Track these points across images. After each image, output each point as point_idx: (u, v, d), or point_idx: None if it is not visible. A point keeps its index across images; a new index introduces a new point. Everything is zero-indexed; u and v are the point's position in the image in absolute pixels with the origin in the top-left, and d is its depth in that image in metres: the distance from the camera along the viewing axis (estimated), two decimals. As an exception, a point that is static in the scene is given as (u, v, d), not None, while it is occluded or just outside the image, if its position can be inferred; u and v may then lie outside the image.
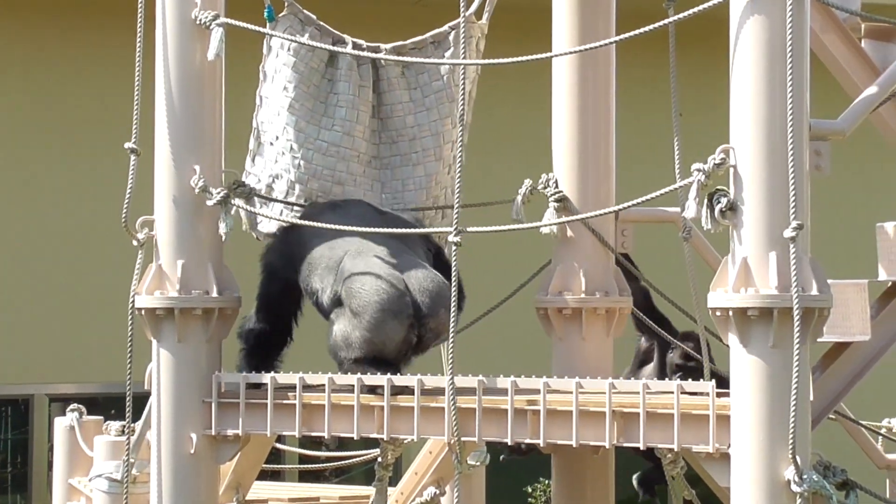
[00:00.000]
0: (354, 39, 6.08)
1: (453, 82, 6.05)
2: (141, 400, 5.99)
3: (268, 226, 6.06)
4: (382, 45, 6.12)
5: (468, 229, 5.38)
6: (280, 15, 6.05)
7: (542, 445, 5.23)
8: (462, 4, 5.51)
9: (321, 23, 6.10)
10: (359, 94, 6.05)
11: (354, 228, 5.60)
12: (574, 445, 5.15)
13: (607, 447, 5.13)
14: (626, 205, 5.32)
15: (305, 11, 6.09)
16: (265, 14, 6.03)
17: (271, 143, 6.05)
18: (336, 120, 6.01)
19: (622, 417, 5.07)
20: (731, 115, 4.86)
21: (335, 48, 5.96)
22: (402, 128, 6.10)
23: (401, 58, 6.04)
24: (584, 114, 5.89)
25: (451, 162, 6.09)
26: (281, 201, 6.03)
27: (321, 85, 6.06)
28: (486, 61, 5.51)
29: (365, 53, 6.00)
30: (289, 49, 6.02)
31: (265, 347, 5.78)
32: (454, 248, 5.33)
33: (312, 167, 6.00)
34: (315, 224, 5.61)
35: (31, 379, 12.29)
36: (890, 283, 5.60)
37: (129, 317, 5.84)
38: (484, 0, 6.24)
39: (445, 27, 6.13)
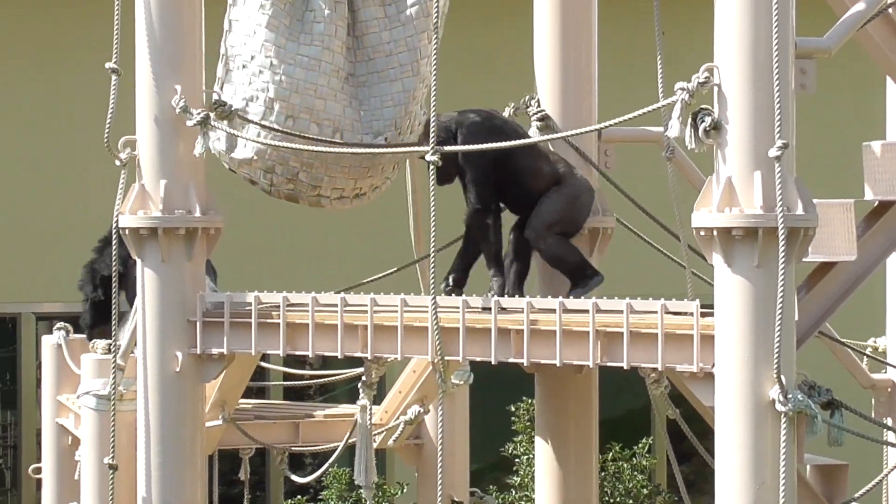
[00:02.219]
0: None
1: None
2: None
3: (243, 152, 5.99)
4: None
5: (444, 148, 5.36)
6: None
7: (525, 364, 5.24)
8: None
9: None
10: (335, 10, 6.00)
11: (321, 150, 5.63)
12: (557, 365, 5.15)
13: (591, 367, 5.13)
14: (608, 123, 5.29)
15: None
16: None
17: (244, 66, 5.97)
18: (314, 35, 5.96)
19: (605, 337, 5.07)
20: (716, 33, 4.83)
21: None
22: (378, 44, 6.05)
23: None
24: (566, 32, 5.85)
25: (429, 78, 6.05)
26: (261, 124, 5.97)
27: (296, 3, 6.01)
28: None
29: None
30: None
31: None
32: (431, 168, 5.32)
33: (295, 82, 5.93)
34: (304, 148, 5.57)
35: (17, 298, 12.29)
36: (876, 203, 5.58)
37: (114, 235, 5.83)
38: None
39: None
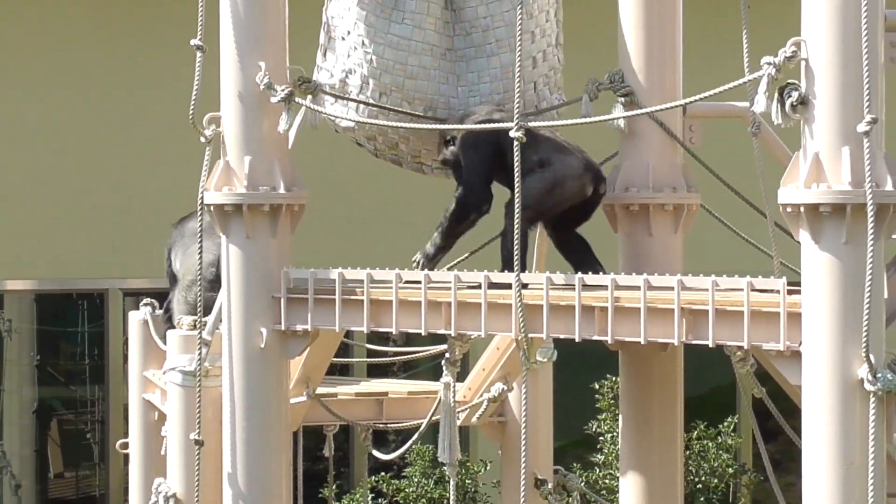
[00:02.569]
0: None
1: None
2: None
3: (345, 121, 6.05)
4: None
5: (529, 124, 5.33)
6: None
7: (609, 342, 5.21)
8: None
9: None
10: None
11: (403, 125, 5.60)
12: (642, 342, 5.12)
13: (676, 344, 5.09)
14: (693, 98, 5.25)
15: None
16: None
17: (342, 38, 6.01)
18: (406, 13, 5.95)
19: (691, 314, 5.03)
20: (803, 6, 4.76)
21: None
22: (475, 19, 6.03)
23: None
24: (650, 5, 5.80)
25: (532, 53, 6.03)
26: (350, 99, 5.99)
27: None
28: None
29: None
30: None
31: None
32: (516, 143, 5.29)
33: (384, 61, 5.94)
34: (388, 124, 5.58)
35: (105, 274, 12.43)
36: (967, 178, 5.49)
37: (199, 212, 5.86)
38: None
39: None
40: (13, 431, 13.00)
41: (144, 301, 7.25)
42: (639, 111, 5.70)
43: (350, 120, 5.96)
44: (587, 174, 5.68)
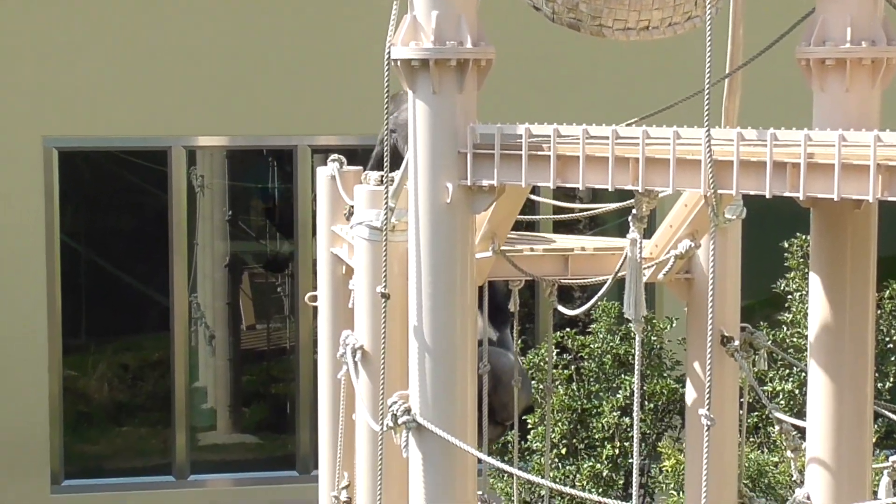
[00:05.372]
0: None
1: None
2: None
3: None
4: None
5: None
6: None
7: (801, 199, 5.10)
8: None
9: None
10: None
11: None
12: (835, 199, 5.01)
13: (870, 201, 4.97)
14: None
15: None
16: None
17: None
18: None
19: (887, 171, 4.89)
20: None
21: None
22: None
23: None
24: None
25: None
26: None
27: None
28: None
29: None
30: None
31: None
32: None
33: None
34: None
35: (294, 131, 12.59)
36: None
37: (386, 68, 5.86)
38: None
39: None
40: (206, 284, 13.34)
41: (332, 157, 7.30)
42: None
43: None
44: None
